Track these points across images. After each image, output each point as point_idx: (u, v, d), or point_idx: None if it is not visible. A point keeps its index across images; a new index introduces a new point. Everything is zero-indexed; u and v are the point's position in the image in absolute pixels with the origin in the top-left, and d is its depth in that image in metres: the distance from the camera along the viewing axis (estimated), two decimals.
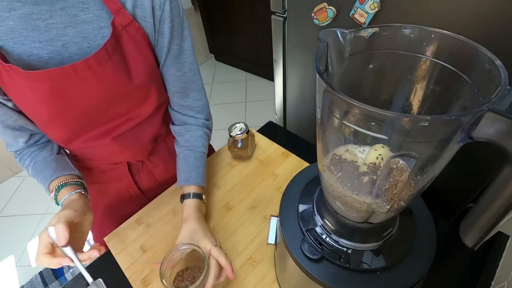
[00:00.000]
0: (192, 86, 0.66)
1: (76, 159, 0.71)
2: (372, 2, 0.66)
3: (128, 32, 0.51)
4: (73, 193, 0.56)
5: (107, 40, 0.49)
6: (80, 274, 0.63)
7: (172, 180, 0.76)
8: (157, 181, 0.81)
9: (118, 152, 0.67)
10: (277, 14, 0.92)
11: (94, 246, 0.50)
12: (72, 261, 0.47)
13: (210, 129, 0.74)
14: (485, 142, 0.26)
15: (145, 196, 0.81)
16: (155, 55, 0.58)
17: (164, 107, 0.69)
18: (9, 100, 0.52)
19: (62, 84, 0.49)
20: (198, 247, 0.53)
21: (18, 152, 0.64)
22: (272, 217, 0.54)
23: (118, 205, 0.79)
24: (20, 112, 0.55)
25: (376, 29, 0.36)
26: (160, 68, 0.61)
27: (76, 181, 0.60)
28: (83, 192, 0.58)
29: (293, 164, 0.80)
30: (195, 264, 0.58)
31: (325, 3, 0.75)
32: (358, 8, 0.69)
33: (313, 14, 0.79)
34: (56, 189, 0.57)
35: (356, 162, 0.35)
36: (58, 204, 0.56)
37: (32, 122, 0.57)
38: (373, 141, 0.32)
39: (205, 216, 0.70)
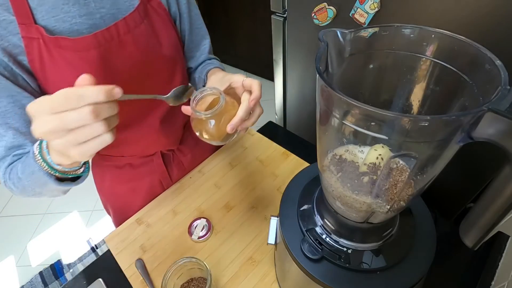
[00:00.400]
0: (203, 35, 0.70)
1: (107, 160, 0.72)
2: (372, 2, 0.66)
3: (152, 6, 0.56)
4: None
5: (137, 5, 0.53)
6: (80, 274, 0.64)
7: None
8: (186, 171, 0.82)
9: (155, 140, 0.69)
10: (277, 14, 0.92)
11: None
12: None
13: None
14: (485, 142, 0.26)
15: None
16: (176, 31, 0.62)
17: None
18: (38, 92, 0.50)
19: (107, 51, 0.50)
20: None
21: (10, 165, 0.51)
22: (272, 217, 0.54)
23: (149, 201, 0.78)
24: None
25: (376, 29, 0.36)
26: (186, 39, 0.66)
27: None
28: None
29: (293, 164, 0.80)
30: (199, 275, 0.58)
31: (325, 3, 0.75)
32: (358, 8, 0.70)
33: (313, 14, 0.79)
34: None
35: (356, 162, 0.35)
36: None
37: None
38: (373, 141, 0.32)
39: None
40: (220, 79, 0.53)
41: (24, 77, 0.47)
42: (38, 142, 0.41)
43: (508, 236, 0.59)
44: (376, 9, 0.67)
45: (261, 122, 0.96)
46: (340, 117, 0.30)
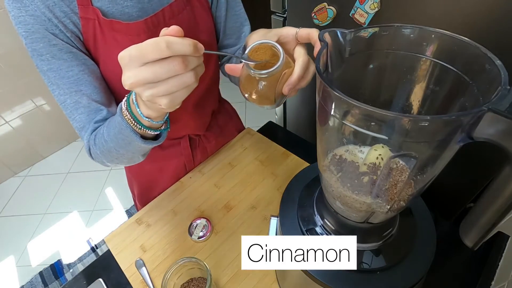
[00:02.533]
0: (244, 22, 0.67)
1: None
2: (372, 2, 0.66)
3: None
4: None
5: None
6: (80, 274, 0.64)
7: None
8: (209, 156, 0.85)
9: (185, 122, 0.71)
10: (277, 14, 0.92)
11: None
12: None
13: None
14: (485, 142, 0.26)
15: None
16: (212, 16, 0.63)
17: (217, 79, 0.73)
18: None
19: (154, 35, 0.53)
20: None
21: (94, 132, 0.54)
22: (272, 217, 0.54)
23: (173, 182, 0.81)
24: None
25: (376, 29, 0.36)
26: (222, 26, 0.65)
27: None
28: None
29: (293, 164, 0.80)
30: (199, 275, 0.58)
31: (325, 3, 0.75)
32: (358, 8, 0.70)
33: (313, 14, 0.79)
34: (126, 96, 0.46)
35: (356, 162, 0.35)
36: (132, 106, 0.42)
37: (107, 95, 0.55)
38: (373, 141, 0.32)
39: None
40: (264, 34, 0.47)
41: (82, 50, 0.51)
42: (125, 99, 0.42)
43: (508, 236, 0.59)
44: (376, 9, 0.67)
45: (261, 122, 0.96)
46: (340, 117, 0.30)
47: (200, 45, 0.33)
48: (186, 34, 0.58)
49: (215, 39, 0.65)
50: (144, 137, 0.45)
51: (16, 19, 0.44)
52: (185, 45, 0.31)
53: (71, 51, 0.48)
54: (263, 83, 0.40)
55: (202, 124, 0.77)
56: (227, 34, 0.67)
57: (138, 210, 0.83)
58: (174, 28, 0.31)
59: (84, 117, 0.52)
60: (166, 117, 0.44)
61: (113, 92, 0.59)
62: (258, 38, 0.48)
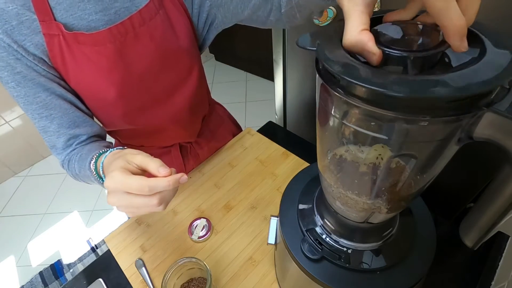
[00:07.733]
0: None
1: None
2: None
3: None
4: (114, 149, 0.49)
5: None
6: (80, 274, 0.64)
7: None
8: (201, 163, 0.84)
9: (174, 133, 0.70)
10: None
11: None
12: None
13: None
14: (485, 142, 0.26)
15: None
16: (188, 16, 0.59)
17: (205, 85, 0.72)
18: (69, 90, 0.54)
19: (122, 44, 0.51)
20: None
21: (67, 157, 0.57)
22: (272, 217, 0.54)
23: None
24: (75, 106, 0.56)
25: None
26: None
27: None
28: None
29: (293, 164, 0.80)
30: (199, 275, 0.59)
31: None
32: None
33: None
34: (96, 156, 0.50)
35: (356, 162, 0.35)
36: (100, 169, 0.48)
37: (85, 115, 0.56)
38: (373, 141, 0.32)
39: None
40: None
41: (49, 71, 0.50)
42: (93, 161, 0.48)
43: (508, 236, 0.59)
44: (376, 9, 0.67)
45: (261, 122, 0.96)
46: (340, 117, 0.30)
47: (184, 178, 0.40)
48: (162, 41, 0.55)
49: (195, 43, 0.62)
50: None
51: None
52: (166, 184, 0.37)
53: (35, 78, 0.49)
54: None
55: (193, 132, 0.76)
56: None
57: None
58: (163, 171, 0.39)
59: (54, 139, 0.55)
60: None
61: (87, 105, 0.57)
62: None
